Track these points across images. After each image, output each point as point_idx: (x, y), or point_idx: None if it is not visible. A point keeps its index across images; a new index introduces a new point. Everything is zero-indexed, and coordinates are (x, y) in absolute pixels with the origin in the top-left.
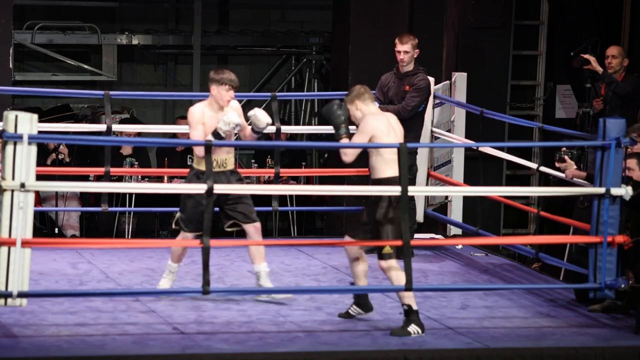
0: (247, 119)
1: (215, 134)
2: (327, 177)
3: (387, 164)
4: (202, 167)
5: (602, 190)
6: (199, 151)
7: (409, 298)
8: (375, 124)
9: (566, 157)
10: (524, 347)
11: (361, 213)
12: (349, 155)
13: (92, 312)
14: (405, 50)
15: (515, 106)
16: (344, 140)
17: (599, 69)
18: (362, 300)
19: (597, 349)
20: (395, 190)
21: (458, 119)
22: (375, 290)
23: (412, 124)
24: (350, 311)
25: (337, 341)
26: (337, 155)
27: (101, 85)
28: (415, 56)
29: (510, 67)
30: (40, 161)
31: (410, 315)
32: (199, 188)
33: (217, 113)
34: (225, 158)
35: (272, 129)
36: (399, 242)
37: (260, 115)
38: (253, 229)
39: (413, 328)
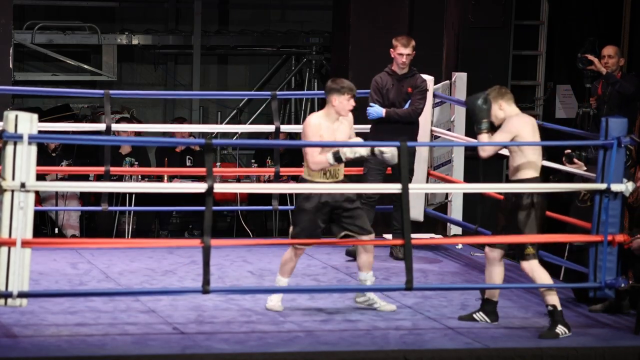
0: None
1: (337, 157)
2: None
3: (529, 165)
4: (314, 178)
5: (603, 185)
6: (314, 165)
7: (553, 299)
8: (520, 125)
9: (575, 159)
10: (523, 347)
11: (497, 217)
12: (487, 151)
13: (92, 312)
14: (409, 53)
15: None
16: (484, 136)
17: (603, 70)
18: (490, 307)
19: (597, 349)
20: (396, 188)
21: (458, 118)
22: (375, 289)
23: (409, 124)
24: (474, 316)
25: (337, 341)
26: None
27: (101, 85)
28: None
29: (510, 67)
30: (40, 161)
31: (555, 316)
32: (199, 187)
33: (333, 124)
34: (337, 169)
35: (271, 129)
36: (399, 242)
37: (393, 156)
38: (368, 239)
39: (560, 329)
